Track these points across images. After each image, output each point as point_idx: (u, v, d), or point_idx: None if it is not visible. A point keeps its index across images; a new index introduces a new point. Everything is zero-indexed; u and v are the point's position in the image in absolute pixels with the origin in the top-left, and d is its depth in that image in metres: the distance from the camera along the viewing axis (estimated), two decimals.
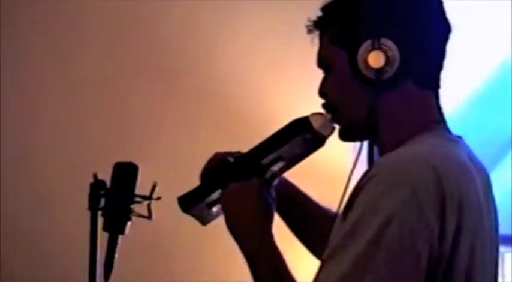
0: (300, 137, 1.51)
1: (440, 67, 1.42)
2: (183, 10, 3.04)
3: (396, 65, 1.35)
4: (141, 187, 1.75)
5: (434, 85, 1.42)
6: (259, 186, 1.49)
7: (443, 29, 1.42)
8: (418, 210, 1.23)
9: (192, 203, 1.58)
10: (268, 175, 1.52)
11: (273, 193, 1.55)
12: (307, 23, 1.45)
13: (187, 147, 2.95)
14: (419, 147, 1.33)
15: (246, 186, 1.48)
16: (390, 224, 1.22)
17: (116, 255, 1.72)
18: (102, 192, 1.75)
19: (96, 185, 1.75)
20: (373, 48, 1.35)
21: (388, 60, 1.35)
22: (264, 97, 3.01)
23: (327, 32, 1.43)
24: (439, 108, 1.42)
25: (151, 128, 2.99)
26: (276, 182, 1.57)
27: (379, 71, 1.35)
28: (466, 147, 1.42)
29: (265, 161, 1.52)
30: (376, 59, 1.35)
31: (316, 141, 1.52)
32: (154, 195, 1.73)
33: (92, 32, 2.96)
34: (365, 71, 1.36)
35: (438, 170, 1.26)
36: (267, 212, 1.48)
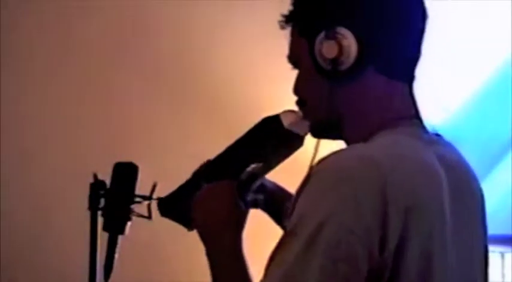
0: (272, 135, 1.46)
1: (415, 57, 1.32)
2: (181, 10, 3.04)
3: (353, 54, 1.26)
4: (141, 187, 1.75)
5: (406, 76, 1.32)
6: (229, 187, 1.43)
7: (417, 16, 1.32)
8: (357, 213, 1.14)
9: (168, 207, 1.57)
10: (243, 176, 1.46)
11: (250, 195, 1.49)
12: (280, 19, 1.37)
13: (187, 147, 2.95)
14: (372, 145, 1.24)
15: (215, 188, 1.43)
16: (327, 225, 1.14)
17: (116, 256, 1.72)
18: (102, 192, 1.75)
19: (96, 185, 1.76)
20: (327, 38, 1.27)
21: (342, 50, 1.26)
22: (262, 97, 3.01)
23: (296, 25, 1.35)
24: (413, 102, 1.32)
25: (151, 128, 2.99)
26: (257, 183, 1.51)
27: (335, 62, 1.27)
28: (443, 145, 1.33)
29: (239, 161, 1.47)
30: (329, 49, 1.27)
31: (291, 140, 1.46)
32: (154, 195, 1.73)
33: (91, 32, 2.96)
34: (322, 63, 1.28)
35: (385, 171, 1.17)
36: (235, 214, 1.41)
